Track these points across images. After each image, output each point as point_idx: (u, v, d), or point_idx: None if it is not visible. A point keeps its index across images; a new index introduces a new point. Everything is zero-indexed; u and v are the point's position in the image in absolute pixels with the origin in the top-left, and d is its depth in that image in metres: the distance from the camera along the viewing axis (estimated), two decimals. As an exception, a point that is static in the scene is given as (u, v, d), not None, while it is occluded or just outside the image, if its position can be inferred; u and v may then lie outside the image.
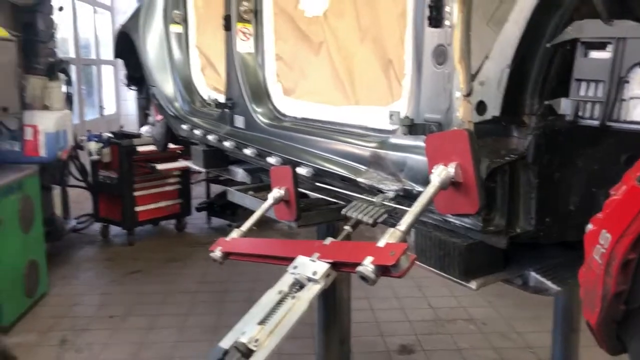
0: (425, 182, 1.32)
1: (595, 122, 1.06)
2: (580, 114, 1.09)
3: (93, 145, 5.73)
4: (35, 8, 5.82)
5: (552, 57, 1.16)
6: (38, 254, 4.41)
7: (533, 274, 1.37)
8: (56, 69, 5.82)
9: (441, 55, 1.38)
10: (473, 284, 1.37)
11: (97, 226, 6.06)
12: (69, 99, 5.79)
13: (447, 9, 1.35)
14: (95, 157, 5.75)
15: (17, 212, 4.05)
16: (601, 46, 1.04)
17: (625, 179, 0.92)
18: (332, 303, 2.81)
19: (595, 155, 1.29)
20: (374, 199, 1.55)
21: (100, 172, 5.87)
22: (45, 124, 4.94)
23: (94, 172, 5.93)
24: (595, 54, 1.06)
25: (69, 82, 5.89)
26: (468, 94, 1.31)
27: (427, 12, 1.39)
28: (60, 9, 5.72)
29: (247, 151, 2.35)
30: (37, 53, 6.01)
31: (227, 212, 6.15)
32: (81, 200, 6.38)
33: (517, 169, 1.30)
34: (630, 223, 0.89)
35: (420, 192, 1.32)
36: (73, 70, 7.48)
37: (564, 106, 1.13)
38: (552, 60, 1.16)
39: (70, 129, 5.33)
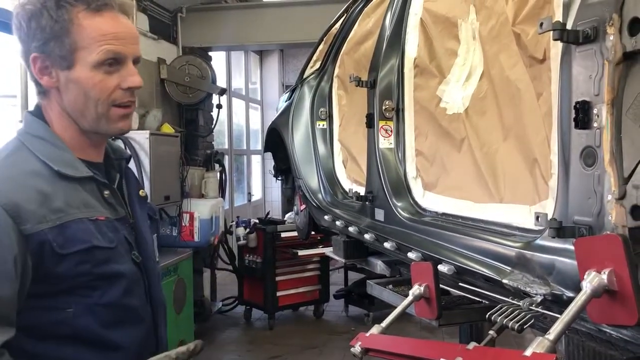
0: (576, 287, 1.26)
1: None
2: None
3: (241, 231, 6.12)
4: (198, 106, 6.56)
5: None
6: (187, 334, 4.70)
7: None
8: (213, 160, 6.42)
9: (590, 156, 1.35)
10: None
11: (240, 309, 6.34)
12: (222, 187, 6.31)
13: (594, 110, 1.33)
14: (242, 241, 6.12)
15: (172, 294, 4.39)
16: None
17: None
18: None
19: None
20: (520, 303, 1.49)
21: (246, 257, 6.21)
22: (201, 211, 5.40)
23: (240, 256, 6.28)
24: None
25: (223, 172, 6.44)
26: (621, 198, 1.25)
27: (573, 114, 1.38)
28: (219, 106, 6.37)
29: (387, 245, 2.39)
30: (197, 146, 6.70)
31: (365, 300, 6.15)
32: (227, 283, 6.75)
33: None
34: None
35: (570, 298, 1.26)
36: (226, 160, 8.17)
37: None
38: None
39: (222, 215, 5.76)
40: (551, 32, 1.39)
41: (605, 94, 1.30)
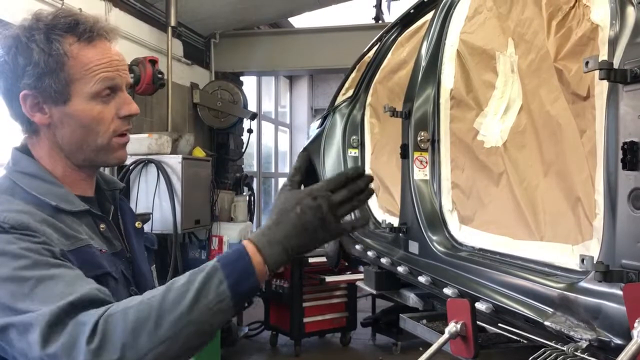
0: (625, 334, 1.22)
1: None
2: None
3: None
4: (229, 130, 6.62)
5: None
6: (214, 359, 4.68)
7: None
8: (242, 183, 6.45)
9: (638, 199, 1.31)
10: None
11: (266, 334, 6.30)
12: (250, 210, 6.32)
13: (644, 151, 1.30)
14: (269, 266, 6.10)
15: (201, 318, 4.38)
16: None
17: None
18: None
19: None
20: (565, 348, 1.45)
21: (273, 281, 6.19)
22: (230, 235, 5.41)
23: (267, 280, 6.26)
24: None
25: (252, 195, 6.46)
26: (676, 243, 1.21)
27: (620, 154, 1.35)
28: (250, 131, 6.42)
29: (422, 279, 2.35)
30: (227, 170, 6.76)
31: (393, 329, 6.05)
32: (253, 307, 6.72)
33: None
34: None
35: (618, 345, 1.22)
36: (255, 182, 8.21)
37: None
38: None
39: (250, 239, 5.76)
40: (597, 71, 1.37)
41: (655, 135, 1.26)
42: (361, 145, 3.64)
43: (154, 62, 4.75)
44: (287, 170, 10.57)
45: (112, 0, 4.72)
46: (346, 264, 5.62)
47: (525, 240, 1.91)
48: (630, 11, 1.43)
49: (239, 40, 6.83)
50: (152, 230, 4.49)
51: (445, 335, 1.91)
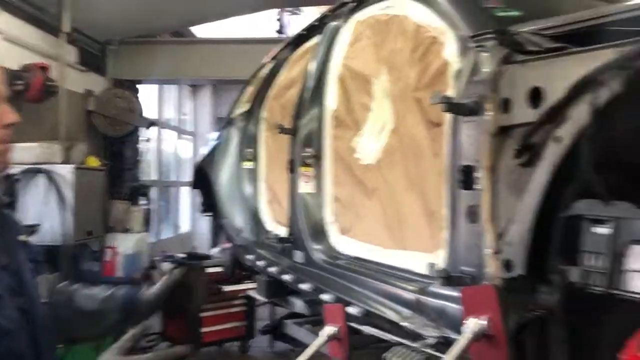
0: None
1: (600, 290, 1.16)
2: (587, 281, 1.20)
3: (166, 266, 6.06)
4: (125, 139, 6.51)
5: (567, 226, 1.29)
6: (107, 372, 4.58)
7: None
8: (138, 193, 6.36)
9: (473, 214, 1.54)
10: None
11: (163, 346, 6.23)
12: (147, 221, 6.25)
13: (476, 174, 1.52)
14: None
15: (92, 331, 4.30)
16: (602, 223, 1.17)
17: (630, 346, 1.01)
18: None
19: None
20: (415, 345, 1.65)
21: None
22: (125, 246, 5.34)
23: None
24: (597, 230, 1.18)
25: (148, 205, 6.38)
26: (497, 252, 1.43)
27: (459, 176, 1.57)
28: (147, 140, 6.36)
29: (304, 286, 2.51)
30: (122, 179, 6.62)
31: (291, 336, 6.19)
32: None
33: (546, 323, 1.39)
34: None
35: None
36: (154, 192, 8.08)
37: (574, 274, 1.24)
38: (567, 230, 1.29)
39: (146, 250, 5.71)
40: (441, 104, 1.58)
41: (484, 160, 1.49)
42: (256, 159, 3.75)
43: (44, 68, 4.62)
44: (190, 178, 10.44)
45: (2, 4, 4.54)
46: (243, 273, 5.71)
47: (393, 249, 2.11)
48: (470, 52, 1.66)
49: (139, 48, 6.74)
50: (41, 241, 4.36)
51: (322, 338, 2.07)
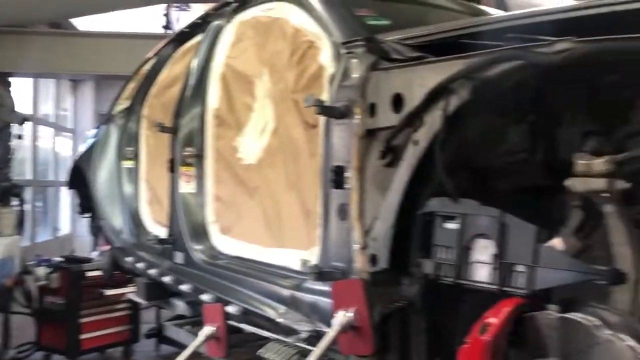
0: (333, 324, 1.49)
1: (450, 281, 1.28)
2: (439, 273, 1.31)
3: (41, 271, 5.70)
4: (-6, 136, 6.03)
5: (426, 223, 1.40)
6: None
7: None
8: (10, 193, 5.92)
9: (343, 212, 1.61)
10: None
11: (39, 355, 5.86)
12: (20, 223, 5.83)
13: (346, 174, 1.60)
14: (42, 282, 5.70)
15: (-46, 343, 3.96)
16: (452, 219, 1.29)
17: (473, 330, 1.12)
18: None
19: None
20: (289, 340, 1.70)
21: (47, 298, 5.78)
22: (-6, 250, 4.95)
23: (40, 298, 5.83)
24: (447, 225, 1.30)
25: (22, 206, 5.96)
26: (363, 248, 1.52)
27: (331, 175, 1.64)
28: (20, 137, 5.93)
29: (184, 287, 2.49)
30: (-8, 179, 6.12)
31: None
32: (25, 328, 6.20)
33: (407, 313, 1.49)
34: (477, 370, 1.07)
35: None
36: (28, 192, 7.57)
37: (427, 266, 1.35)
38: (424, 225, 1.40)
39: (18, 254, 5.33)
40: (315, 107, 1.64)
41: (353, 161, 1.57)
42: (136, 157, 3.64)
43: None
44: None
45: None
46: (127, 276, 5.51)
47: (272, 247, 2.15)
48: (342, 58, 1.74)
49: (10, 38, 6.30)
50: None
51: (200, 338, 2.07)
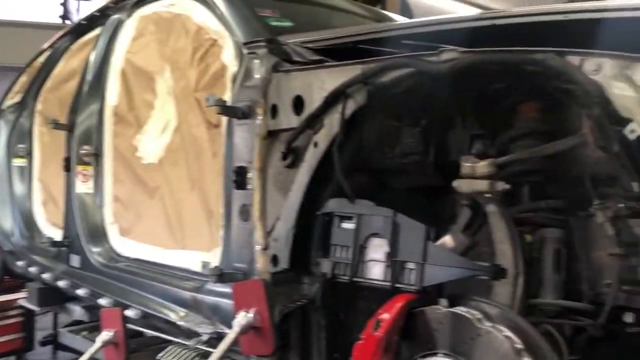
0: (234, 325, 1.49)
1: (346, 279, 1.32)
2: (337, 272, 1.35)
3: None
4: None
5: (325, 223, 1.43)
6: None
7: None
8: None
9: (245, 213, 1.62)
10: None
11: None
12: None
13: (249, 174, 1.60)
14: None
15: None
16: (349, 219, 1.33)
17: (367, 326, 1.16)
18: None
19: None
20: (189, 342, 1.68)
21: None
22: None
23: None
24: (345, 225, 1.34)
25: None
26: (265, 248, 1.53)
27: (233, 176, 1.63)
28: None
29: (81, 292, 2.39)
30: None
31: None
32: None
33: (308, 312, 1.51)
34: (371, 363, 1.11)
35: (230, 335, 1.48)
36: None
37: (324, 266, 1.39)
38: (325, 225, 1.43)
39: None
40: (216, 107, 1.63)
41: (255, 162, 1.58)
42: (29, 155, 3.44)
43: None
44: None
45: None
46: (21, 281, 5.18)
47: (173, 249, 2.11)
48: (244, 58, 1.74)
49: None
50: None
51: (97, 344, 1.99)
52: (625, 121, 0.99)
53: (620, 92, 0.99)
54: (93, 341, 2.32)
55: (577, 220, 1.40)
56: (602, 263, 1.34)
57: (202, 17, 2.10)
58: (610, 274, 1.28)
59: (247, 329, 1.45)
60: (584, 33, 1.08)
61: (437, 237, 1.35)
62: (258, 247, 1.55)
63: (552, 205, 1.34)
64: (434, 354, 1.20)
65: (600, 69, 1.02)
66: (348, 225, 1.32)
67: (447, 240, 1.41)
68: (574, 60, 1.05)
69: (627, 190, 1.22)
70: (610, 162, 1.23)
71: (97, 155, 2.58)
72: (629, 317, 1.32)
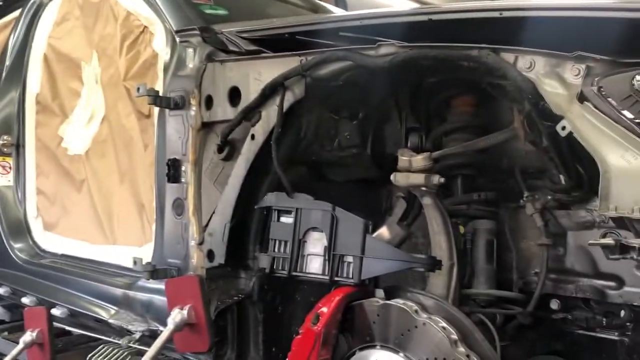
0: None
1: (284, 274, 1.31)
2: (275, 267, 1.34)
3: None
4: None
5: (263, 217, 1.41)
6: None
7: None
8: None
9: (179, 207, 1.57)
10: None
11: None
12: None
13: (183, 167, 1.55)
14: None
15: None
16: (287, 213, 1.31)
17: (306, 320, 1.15)
18: None
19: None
20: (121, 341, 1.62)
21: None
22: None
23: None
24: (283, 219, 1.32)
25: None
26: (200, 243, 1.49)
27: (166, 169, 1.58)
28: None
29: (1, 290, 2.25)
30: None
31: None
32: None
33: (245, 306, 1.49)
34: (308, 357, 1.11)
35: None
36: None
37: (262, 261, 1.37)
38: (264, 220, 1.41)
39: None
40: (147, 97, 1.57)
41: (190, 154, 1.53)
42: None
43: None
44: None
45: None
46: None
47: (103, 244, 2.03)
48: (177, 46, 1.68)
49: None
50: None
51: (20, 346, 1.89)
52: (557, 118, 1.03)
53: (552, 90, 1.02)
54: (16, 342, 2.20)
55: (507, 212, 1.45)
56: (531, 253, 1.40)
57: (131, 2, 2.01)
58: (539, 263, 1.33)
59: (181, 326, 1.41)
60: (518, 30, 1.10)
61: (375, 229, 1.35)
62: (193, 242, 1.51)
63: (484, 197, 1.38)
64: (372, 346, 1.21)
65: (533, 67, 1.05)
66: (287, 220, 1.30)
67: (384, 231, 1.42)
68: (509, 57, 1.07)
69: (555, 183, 1.27)
70: (539, 155, 1.28)
71: (18, 146, 2.44)
72: (554, 304, 1.38)
